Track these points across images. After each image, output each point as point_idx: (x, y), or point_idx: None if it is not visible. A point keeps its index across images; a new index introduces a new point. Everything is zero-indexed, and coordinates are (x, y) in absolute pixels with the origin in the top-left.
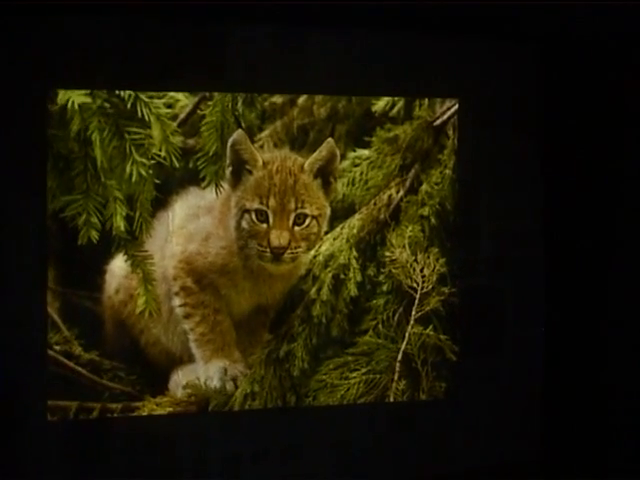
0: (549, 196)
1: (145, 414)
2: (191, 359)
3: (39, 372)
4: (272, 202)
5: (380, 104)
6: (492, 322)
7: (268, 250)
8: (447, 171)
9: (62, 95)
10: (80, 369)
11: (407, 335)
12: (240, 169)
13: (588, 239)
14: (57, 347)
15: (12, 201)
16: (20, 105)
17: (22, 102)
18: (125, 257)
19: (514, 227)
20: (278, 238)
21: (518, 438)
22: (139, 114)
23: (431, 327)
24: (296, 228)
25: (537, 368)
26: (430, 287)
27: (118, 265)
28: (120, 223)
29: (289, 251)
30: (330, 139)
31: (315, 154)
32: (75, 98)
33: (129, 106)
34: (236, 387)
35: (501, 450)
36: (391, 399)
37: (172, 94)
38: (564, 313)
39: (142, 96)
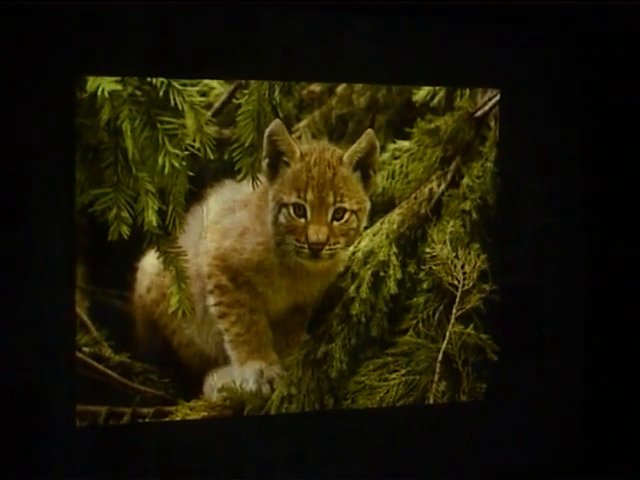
0: (591, 191)
1: (178, 419)
2: (226, 361)
3: (67, 375)
4: (310, 196)
5: (421, 94)
6: (532, 320)
7: (306, 246)
8: (488, 164)
9: (91, 82)
10: (110, 372)
11: (448, 334)
12: (277, 161)
13: (632, 235)
14: (86, 349)
15: (38, 195)
16: (47, 93)
17: (49, 89)
18: (157, 254)
19: (555, 222)
20: (316, 233)
21: (559, 439)
22: (172, 102)
23: (472, 326)
24: (335, 223)
25: (578, 368)
26: (471, 284)
27: (150, 262)
28: (152, 218)
29: (327, 247)
30: (370, 130)
31: (354, 146)
32: (105, 85)
33: (161, 94)
34: (272, 390)
35: (541, 452)
36: (431, 401)
37: (206, 82)
38: (605, 311)
39: (175, 84)
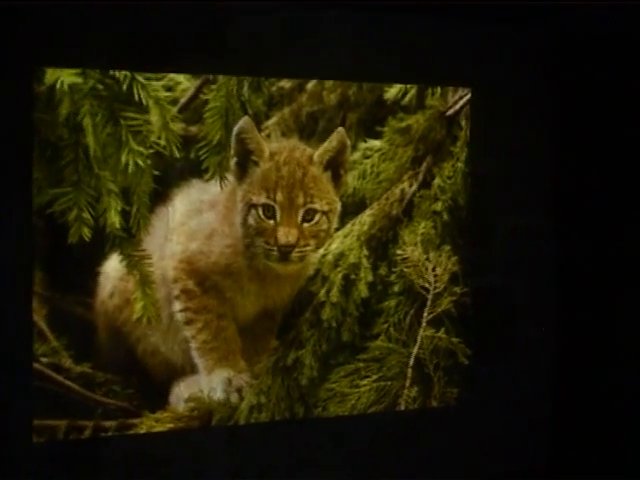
0: (561, 190)
1: (143, 432)
2: (193, 369)
3: (24, 387)
4: (279, 196)
5: (392, 92)
6: (504, 323)
7: (275, 248)
8: (459, 164)
9: (50, 74)
10: (70, 383)
11: (419, 338)
12: (246, 160)
13: (601, 235)
14: (44, 359)
15: None
16: (2, 85)
17: (5, 81)
18: (120, 257)
19: (525, 223)
20: (286, 235)
21: (529, 443)
22: (136, 97)
23: (443, 329)
24: (305, 225)
25: (548, 371)
26: (442, 287)
27: (112, 266)
28: (115, 219)
29: (297, 249)
30: (341, 128)
31: (325, 144)
32: (65, 78)
33: (125, 88)
34: (241, 399)
35: (512, 455)
36: (402, 407)
37: (172, 76)
38: (576, 313)
39: (139, 77)
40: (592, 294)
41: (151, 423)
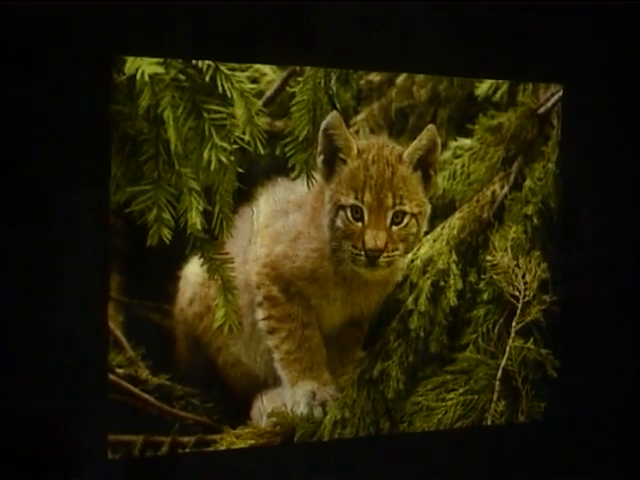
0: None
1: (223, 448)
2: (276, 382)
3: (98, 400)
4: (368, 197)
5: (483, 87)
6: (592, 334)
7: (363, 253)
8: (550, 165)
9: (130, 63)
10: (147, 396)
11: (507, 349)
12: (333, 158)
13: None
14: (120, 370)
15: (68, 192)
16: (80, 74)
17: (82, 70)
18: (202, 260)
19: (614, 228)
20: (374, 239)
21: (616, 459)
22: (219, 89)
23: (532, 340)
24: (394, 228)
25: (634, 384)
26: (532, 295)
27: (193, 270)
28: (196, 220)
29: (385, 254)
30: (431, 126)
31: (415, 142)
32: (145, 67)
33: (208, 79)
34: (325, 413)
35: (600, 471)
36: (489, 422)
37: (257, 67)
38: None
39: (223, 68)
40: None
41: (232, 439)
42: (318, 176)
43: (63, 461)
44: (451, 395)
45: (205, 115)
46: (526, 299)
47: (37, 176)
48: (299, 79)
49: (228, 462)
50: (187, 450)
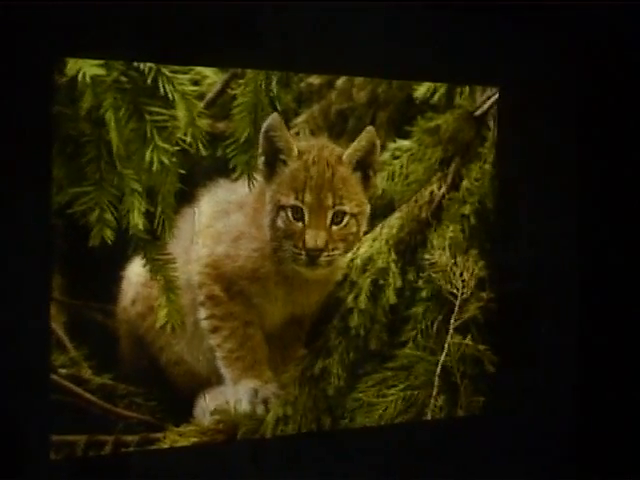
0: (590, 195)
1: (166, 446)
2: (219, 380)
3: (41, 401)
4: (308, 197)
5: (421, 90)
6: (528, 330)
7: (303, 252)
8: (487, 166)
9: (72, 65)
10: (90, 396)
11: (446, 346)
12: (274, 159)
13: (632, 242)
14: (63, 370)
15: (10, 193)
16: (21, 76)
17: (23, 72)
18: (144, 261)
19: (552, 228)
20: (314, 239)
21: (555, 453)
22: (161, 91)
23: (470, 336)
24: (334, 227)
25: (572, 379)
26: (469, 292)
27: (135, 271)
28: (138, 220)
29: (325, 253)
30: (371, 127)
31: (354, 144)
32: (87, 69)
33: (149, 81)
34: (267, 410)
35: (538, 465)
36: (429, 417)
37: (199, 69)
38: (602, 320)
39: (164, 70)
40: (619, 301)
41: (175, 437)
42: (259, 177)
43: (6, 461)
44: (391, 391)
45: (147, 117)
46: (464, 296)
47: None
48: (240, 81)
49: (172, 460)
50: (131, 449)
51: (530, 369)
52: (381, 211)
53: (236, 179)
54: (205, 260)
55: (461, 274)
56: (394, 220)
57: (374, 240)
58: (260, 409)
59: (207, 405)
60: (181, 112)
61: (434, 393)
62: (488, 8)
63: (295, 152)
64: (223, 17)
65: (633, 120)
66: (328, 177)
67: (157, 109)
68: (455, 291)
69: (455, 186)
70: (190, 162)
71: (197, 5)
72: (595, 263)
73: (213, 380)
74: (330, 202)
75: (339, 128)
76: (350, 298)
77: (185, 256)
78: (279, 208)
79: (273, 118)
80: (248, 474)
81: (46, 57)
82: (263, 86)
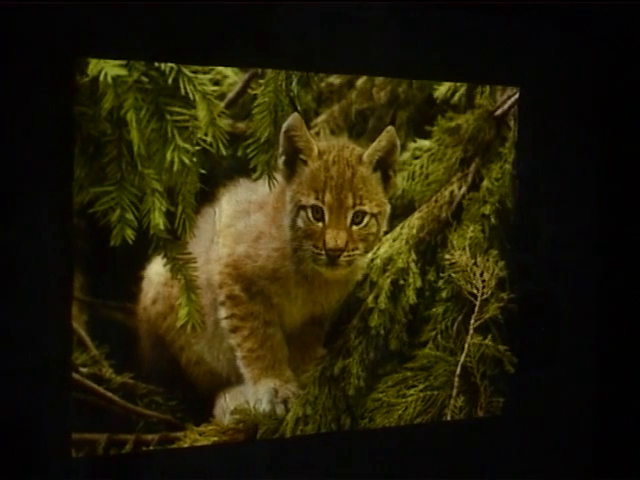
0: (610, 195)
1: (186, 445)
2: (239, 380)
3: (62, 399)
4: (328, 197)
5: (441, 90)
6: (549, 330)
7: (323, 252)
8: (507, 166)
9: (93, 65)
10: (111, 395)
11: (466, 346)
12: (294, 159)
13: None
14: (84, 369)
15: (31, 193)
16: (42, 76)
17: (45, 73)
18: (164, 260)
19: (572, 228)
20: (334, 239)
21: (573, 453)
22: (182, 91)
23: (490, 337)
24: (354, 227)
25: (589, 380)
26: (489, 293)
27: (156, 270)
28: (159, 220)
29: (346, 253)
30: (391, 127)
31: (374, 144)
32: (108, 69)
33: (170, 81)
34: (287, 410)
35: (556, 465)
36: (448, 417)
37: (219, 69)
38: (617, 320)
39: (185, 70)
40: (638, 301)
41: (195, 437)
42: (279, 177)
43: (27, 460)
44: (411, 391)
45: (168, 117)
46: (484, 297)
47: (0, 177)
48: (261, 81)
49: (191, 459)
50: (151, 448)
51: (550, 370)
52: (401, 211)
53: (256, 179)
54: (225, 260)
55: (481, 274)
56: (414, 220)
57: (394, 240)
58: (280, 409)
59: (227, 405)
60: (202, 112)
61: (454, 394)
62: (509, 8)
63: (315, 152)
64: (243, 17)
65: None
66: (348, 177)
67: (178, 109)
68: (475, 291)
69: (475, 186)
70: (211, 162)
71: (218, 5)
72: (614, 263)
73: (233, 380)
74: (350, 202)
75: (359, 128)
76: (370, 298)
77: (205, 256)
78: (299, 208)
79: (293, 118)
80: (268, 474)
81: (68, 57)
82: (283, 86)
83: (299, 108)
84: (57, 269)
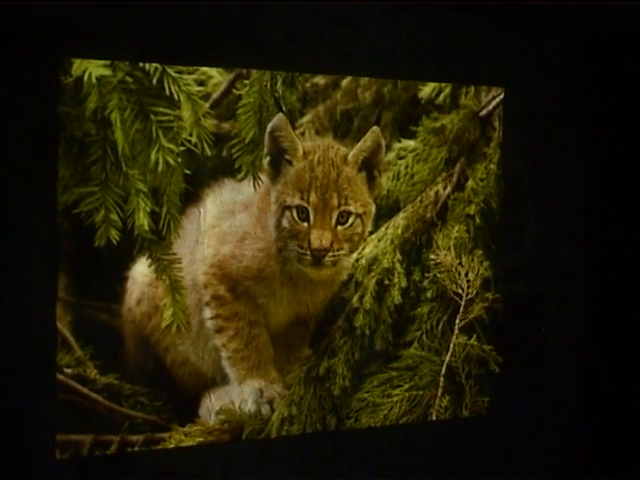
0: (594, 195)
1: (172, 446)
2: (224, 380)
3: (46, 400)
4: (313, 198)
5: (426, 90)
6: (533, 330)
7: (308, 252)
8: (492, 166)
9: (78, 65)
10: (96, 395)
11: (451, 346)
12: (279, 159)
13: (636, 242)
14: (68, 370)
15: (16, 194)
16: (27, 76)
17: (29, 73)
18: (149, 261)
19: (557, 227)
20: (319, 239)
21: (558, 453)
22: (166, 91)
23: (475, 337)
24: (339, 228)
25: (574, 380)
26: (474, 292)
27: (140, 271)
28: (144, 221)
29: (331, 254)
30: (376, 127)
31: (359, 144)
32: (93, 70)
33: (155, 82)
34: (272, 410)
35: (541, 464)
36: (434, 417)
37: (204, 69)
38: (603, 320)
39: (170, 70)
40: (624, 301)
41: (180, 437)
42: (264, 177)
43: (12, 461)
44: (396, 391)
45: (152, 117)
46: (469, 297)
47: None
48: (245, 82)
49: (177, 460)
50: (136, 449)
51: (535, 369)
52: (386, 211)
53: (241, 179)
54: (210, 260)
55: (466, 274)
56: (399, 220)
57: (379, 240)
58: (265, 409)
59: (212, 405)
60: (186, 112)
61: (439, 393)
62: (493, 8)
63: (300, 152)
64: (228, 17)
65: (638, 120)
66: (333, 177)
67: (163, 109)
68: (460, 291)
69: (460, 186)
70: (195, 162)
71: (202, 5)
72: (600, 263)
73: (218, 380)
74: (335, 202)
75: (344, 128)
76: (355, 298)
77: (190, 256)
78: (284, 208)
79: (278, 118)
80: (253, 474)
81: (52, 57)
82: (268, 86)
83: (284, 108)
84: (41, 269)
